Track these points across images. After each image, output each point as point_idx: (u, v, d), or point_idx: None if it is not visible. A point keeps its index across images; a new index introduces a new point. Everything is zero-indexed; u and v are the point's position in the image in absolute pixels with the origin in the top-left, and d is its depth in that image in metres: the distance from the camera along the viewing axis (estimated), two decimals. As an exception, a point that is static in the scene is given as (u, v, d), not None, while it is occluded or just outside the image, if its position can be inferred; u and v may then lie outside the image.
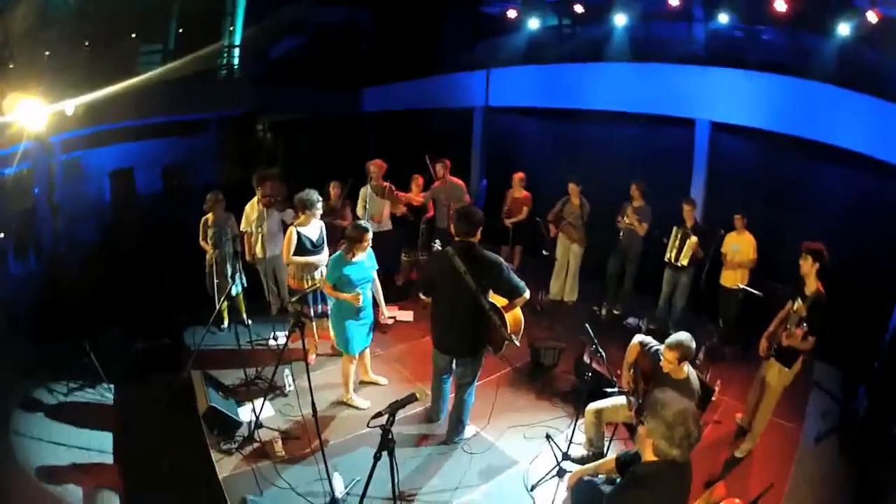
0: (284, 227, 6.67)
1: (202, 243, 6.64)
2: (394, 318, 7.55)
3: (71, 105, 7.25)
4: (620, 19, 8.71)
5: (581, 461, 4.46)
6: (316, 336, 6.16)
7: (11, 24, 7.32)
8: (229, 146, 11.35)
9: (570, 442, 4.62)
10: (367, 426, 3.35)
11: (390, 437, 3.21)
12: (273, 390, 5.63)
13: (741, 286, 6.52)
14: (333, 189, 7.58)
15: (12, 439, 4.91)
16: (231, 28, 11.26)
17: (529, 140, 10.47)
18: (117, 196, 10.14)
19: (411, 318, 7.56)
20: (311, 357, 6.23)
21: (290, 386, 5.73)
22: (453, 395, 5.16)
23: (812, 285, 4.74)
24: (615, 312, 7.94)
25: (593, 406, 4.67)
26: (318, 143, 11.95)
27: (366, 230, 5.13)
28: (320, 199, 5.94)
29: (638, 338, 4.48)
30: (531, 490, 4.57)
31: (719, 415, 5.64)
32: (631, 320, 7.71)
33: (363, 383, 5.94)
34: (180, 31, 10.65)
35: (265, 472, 4.61)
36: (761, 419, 5.06)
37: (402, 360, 6.57)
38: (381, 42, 12.50)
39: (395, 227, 8.05)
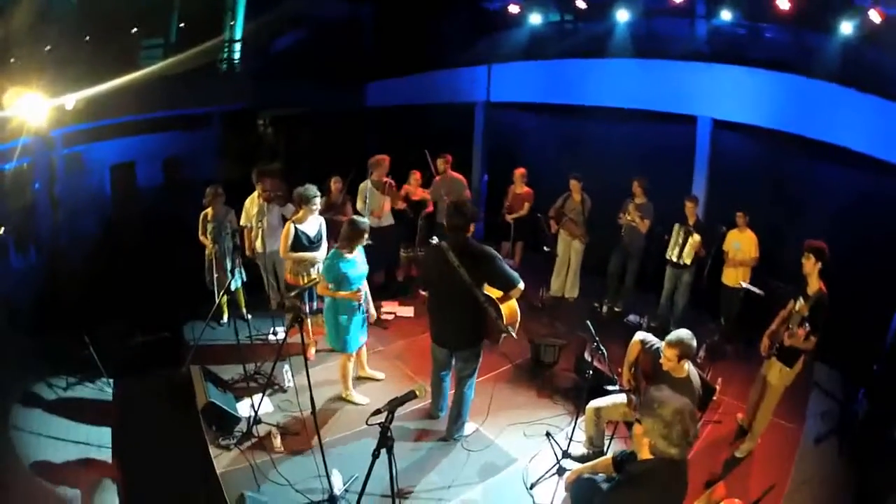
0: (284, 221, 6.66)
1: (202, 238, 6.64)
2: (394, 313, 7.56)
3: (72, 100, 7.24)
4: (623, 15, 8.67)
5: (581, 459, 4.46)
6: (311, 332, 6.14)
7: (12, 19, 7.30)
8: (230, 141, 11.33)
9: (571, 440, 4.63)
10: (367, 423, 3.34)
11: (389, 434, 3.19)
12: (272, 386, 5.64)
13: (743, 284, 6.50)
14: (335, 184, 7.56)
15: (12, 434, 4.91)
16: (232, 23, 11.23)
17: (531, 136, 10.43)
18: (118, 190, 10.13)
19: (412, 314, 7.56)
20: (311, 353, 6.23)
21: (289, 381, 5.73)
22: (453, 391, 5.16)
23: (814, 284, 4.72)
24: (616, 310, 7.94)
25: (594, 404, 4.65)
26: (319, 138, 11.90)
27: (364, 229, 5.11)
28: (318, 194, 5.92)
29: (639, 335, 4.46)
30: (531, 488, 4.56)
31: (720, 414, 5.63)
32: (632, 318, 7.70)
33: (361, 378, 5.94)
34: (181, 25, 10.63)
35: (263, 468, 4.61)
36: (762, 419, 5.05)
37: (402, 356, 6.56)
38: (383, 37, 12.45)
39: (395, 222, 8.04)
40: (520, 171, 8.45)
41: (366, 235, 5.14)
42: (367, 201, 7.42)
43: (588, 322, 4.72)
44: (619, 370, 4.65)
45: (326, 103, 11.91)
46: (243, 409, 5.24)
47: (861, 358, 5.96)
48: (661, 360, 4.03)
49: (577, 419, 4.92)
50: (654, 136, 8.77)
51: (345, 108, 12.43)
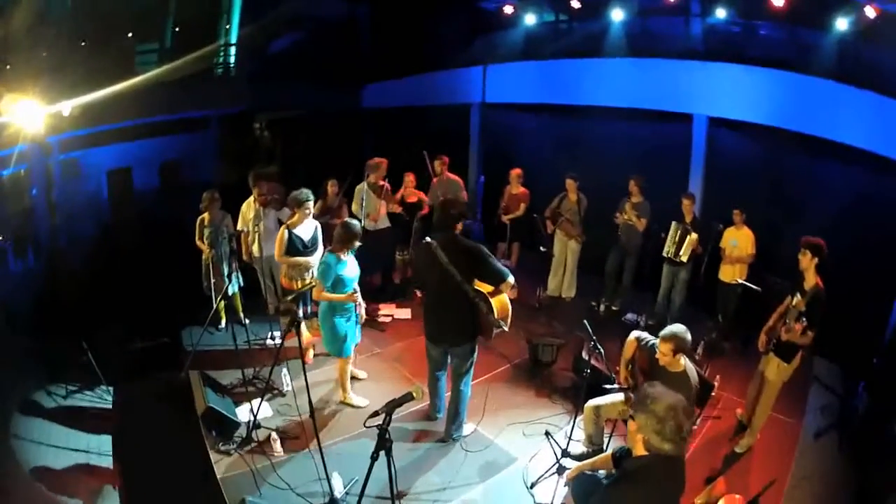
0: (281, 225, 6.65)
1: (198, 242, 6.62)
2: (391, 316, 7.56)
3: (68, 106, 7.24)
4: (617, 14, 8.67)
5: (580, 458, 4.46)
6: (306, 336, 6.13)
7: (8, 25, 7.30)
8: (226, 145, 11.33)
9: (570, 439, 4.62)
10: (364, 426, 3.34)
11: (387, 436, 3.19)
12: (271, 390, 5.64)
13: (740, 281, 6.51)
14: (332, 187, 7.55)
15: (12, 442, 4.90)
16: (227, 26, 11.24)
17: (526, 136, 10.44)
18: (115, 195, 10.13)
19: (409, 316, 7.55)
20: (309, 357, 6.22)
21: (287, 385, 5.72)
22: (449, 393, 5.17)
23: (811, 280, 4.74)
24: (614, 308, 7.95)
25: (592, 403, 4.66)
26: (316, 140, 11.91)
27: (358, 232, 5.11)
28: (311, 197, 5.90)
29: (634, 334, 4.48)
30: (531, 487, 4.56)
31: (719, 410, 5.64)
32: (630, 316, 7.71)
33: (351, 379, 5.92)
34: (177, 29, 10.63)
35: (264, 472, 4.61)
36: (760, 414, 5.06)
37: (400, 358, 6.56)
38: (378, 39, 12.46)
39: (391, 225, 8.02)
40: (516, 172, 8.45)
41: (359, 238, 5.14)
42: (364, 204, 7.40)
43: (585, 321, 4.73)
44: (617, 368, 4.66)
45: (322, 105, 11.92)
46: (242, 413, 5.24)
47: (861, 352, 5.98)
48: (658, 356, 4.05)
49: (575, 418, 4.92)
50: (651, 135, 8.78)
51: (341, 110, 12.43)
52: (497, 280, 4.65)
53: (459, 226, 4.74)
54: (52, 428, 5.13)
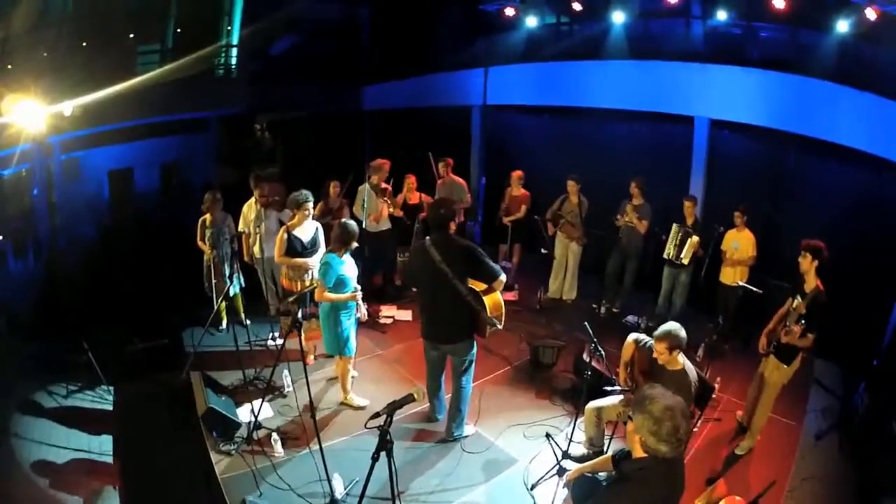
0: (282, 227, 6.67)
1: (200, 244, 6.61)
2: (392, 317, 7.56)
3: (69, 106, 7.23)
4: (618, 17, 8.68)
5: (581, 460, 4.46)
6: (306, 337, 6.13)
7: (10, 25, 7.31)
8: (228, 146, 11.34)
9: (570, 441, 4.63)
10: (365, 427, 3.34)
11: (388, 437, 3.20)
12: (272, 391, 5.63)
13: (740, 283, 6.50)
14: (334, 188, 7.56)
15: (12, 442, 4.90)
16: (229, 27, 11.23)
17: (528, 138, 10.45)
18: (116, 196, 10.13)
19: (410, 318, 7.55)
20: (310, 358, 6.23)
21: (288, 386, 5.73)
22: (449, 395, 5.17)
23: (811, 283, 4.74)
24: (614, 310, 7.94)
25: (593, 404, 4.66)
26: (317, 141, 11.92)
27: (356, 232, 5.11)
28: (311, 198, 5.88)
29: (632, 336, 4.49)
30: (531, 489, 4.57)
31: (719, 412, 5.64)
32: (630, 318, 7.71)
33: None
34: (178, 30, 10.63)
35: (264, 473, 4.61)
36: (760, 416, 5.06)
37: (400, 359, 6.56)
38: (379, 40, 12.47)
39: (392, 226, 8.03)
40: (517, 174, 8.45)
41: (356, 238, 5.14)
42: (366, 204, 7.41)
43: (586, 323, 4.74)
44: (618, 370, 4.66)
45: (323, 107, 11.93)
46: (243, 414, 5.24)
47: (861, 352, 5.98)
48: (655, 355, 4.06)
49: (576, 420, 4.93)
50: (652, 137, 8.80)
51: (342, 111, 12.44)
52: (490, 278, 4.70)
53: (453, 225, 4.81)
54: (52, 428, 5.13)
